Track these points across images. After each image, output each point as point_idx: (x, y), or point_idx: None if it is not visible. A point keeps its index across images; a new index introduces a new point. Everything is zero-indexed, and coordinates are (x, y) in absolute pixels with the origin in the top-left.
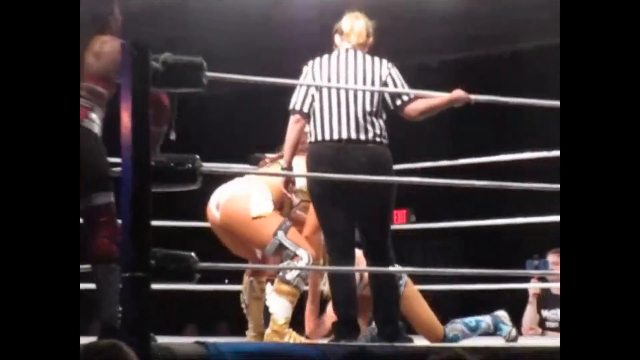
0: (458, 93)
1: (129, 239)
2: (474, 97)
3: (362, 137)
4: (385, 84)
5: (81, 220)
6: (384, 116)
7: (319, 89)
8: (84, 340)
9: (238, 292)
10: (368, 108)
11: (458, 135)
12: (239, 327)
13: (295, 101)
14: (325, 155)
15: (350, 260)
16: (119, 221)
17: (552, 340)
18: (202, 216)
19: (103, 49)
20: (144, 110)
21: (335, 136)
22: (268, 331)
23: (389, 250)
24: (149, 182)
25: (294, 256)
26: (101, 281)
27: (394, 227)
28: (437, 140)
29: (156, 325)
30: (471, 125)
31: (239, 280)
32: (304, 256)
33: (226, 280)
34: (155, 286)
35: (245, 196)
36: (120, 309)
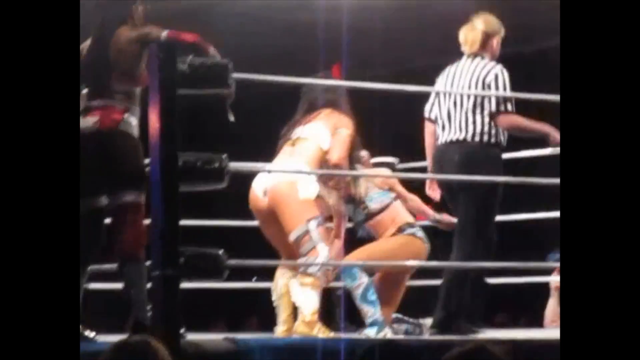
0: (553, 131)
1: (158, 237)
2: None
3: (461, 137)
4: (488, 87)
5: (109, 219)
6: (486, 116)
7: (437, 95)
8: (114, 338)
9: (268, 288)
10: (470, 110)
11: None
12: (270, 322)
13: (425, 108)
14: (434, 156)
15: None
16: (148, 221)
17: None
18: (230, 214)
19: (121, 45)
20: (172, 111)
21: (442, 139)
22: (297, 324)
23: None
24: (178, 181)
25: (312, 249)
26: (129, 279)
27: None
28: None
29: (186, 320)
30: None
31: (269, 277)
32: (324, 251)
33: (254, 279)
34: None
35: (294, 180)
36: (149, 306)
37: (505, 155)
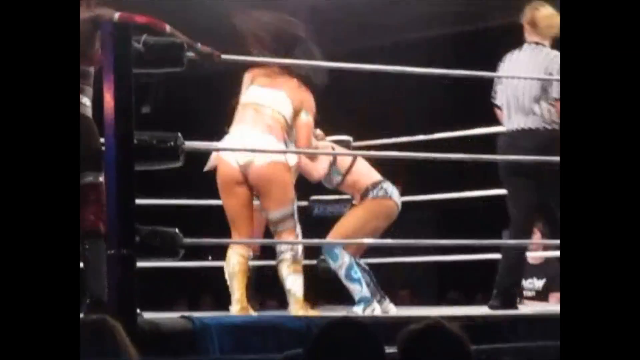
0: None
1: (114, 216)
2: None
3: (530, 125)
4: (550, 74)
5: None
6: (550, 104)
7: (500, 82)
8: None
9: (221, 268)
10: (535, 98)
11: (433, 110)
12: (224, 301)
13: (491, 95)
14: (499, 146)
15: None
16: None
17: (528, 309)
18: (185, 193)
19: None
20: (127, 90)
21: (510, 126)
22: (292, 307)
23: None
24: (133, 160)
25: (291, 229)
26: (88, 257)
27: None
28: (412, 115)
29: (146, 300)
30: (445, 101)
31: (223, 257)
32: (300, 234)
33: (209, 257)
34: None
35: (284, 161)
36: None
37: (464, 133)
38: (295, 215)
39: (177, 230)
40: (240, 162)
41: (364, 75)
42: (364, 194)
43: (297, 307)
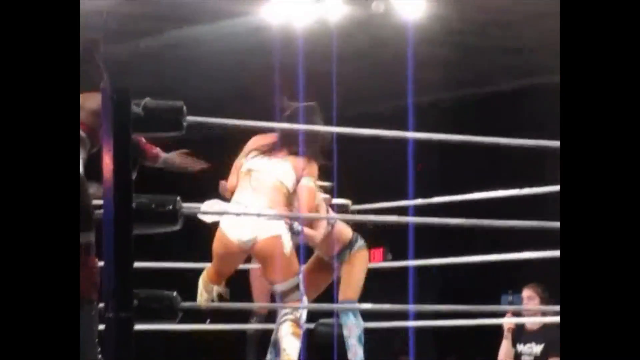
0: None
1: (112, 279)
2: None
3: None
4: None
5: None
6: None
7: None
8: None
9: (220, 332)
10: None
11: (432, 174)
12: None
13: None
14: None
15: None
16: (100, 263)
17: None
18: (183, 256)
19: (85, 104)
20: (125, 153)
21: None
22: None
23: None
24: (131, 224)
25: (298, 300)
26: (80, 323)
27: (371, 265)
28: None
29: None
30: (445, 165)
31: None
32: (305, 301)
33: (208, 320)
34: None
35: (278, 235)
36: (99, 349)
37: (463, 197)
38: (301, 286)
39: (175, 293)
40: (243, 239)
41: (362, 140)
42: (348, 246)
43: None
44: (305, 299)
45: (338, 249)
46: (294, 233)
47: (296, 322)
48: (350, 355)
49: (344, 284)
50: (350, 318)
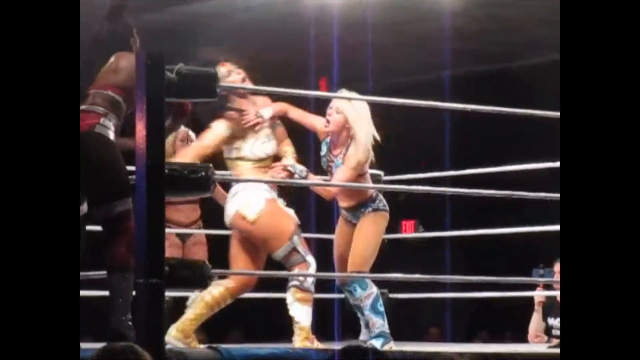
0: None
1: (144, 246)
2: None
3: None
4: None
5: (103, 229)
6: None
7: None
8: (88, 345)
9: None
10: None
11: (462, 146)
12: (252, 334)
13: None
14: None
15: None
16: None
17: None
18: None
19: (120, 64)
20: (159, 119)
21: None
22: (297, 339)
23: None
24: (163, 190)
25: (302, 262)
26: (115, 289)
27: (402, 236)
28: (440, 151)
29: None
30: (475, 137)
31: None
32: (312, 263)
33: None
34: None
35: (238, 210)
36: (130, 317)
37: (495, 170)
38: (300, 248)
39: (206, 260)
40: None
41: (396, 110)
42: (363, 204)
43: (300, 337)
44: (311, 259)
45: (354, 204)
46: (301, 177)
47: (300, 287)
48: (372, 328)
49: (354, 253)
50: (357, 291)
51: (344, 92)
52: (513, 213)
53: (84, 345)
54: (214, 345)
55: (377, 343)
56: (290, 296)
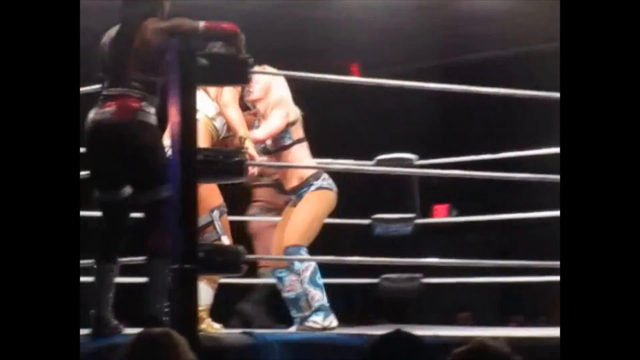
0: None
1: (178, 231)
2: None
3: None
4: None
5: (142, 214)
6: None
7: None
8: (131, 331)
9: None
10: None
11: (496, 130)
12: (283, 318)
13: None
14: None
15: None
16: None
17: None
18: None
19: (148, 35)
20: (191, 104)
21: None
22: None
23: None
24: (197, 176)
25: (216, 240)
26: (154, 274)
27: (435, 220)
28: (476, 135)
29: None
30: (510, 121)
31: None
32: (227, 243)
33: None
34: None
35: None
36: (167, 303)
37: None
38: (218, 225)
39: (240, 246)
40: None
41: (428, 94)
42: (306, 184)
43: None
44: (226, 240)
45: (296, 184)
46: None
47: None
48: (312, 302)
49: (289, 226)
50: (295, 264)
51: (268, 68)
52: (548, 195)
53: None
54: (248, 330)
55: (317, 318)
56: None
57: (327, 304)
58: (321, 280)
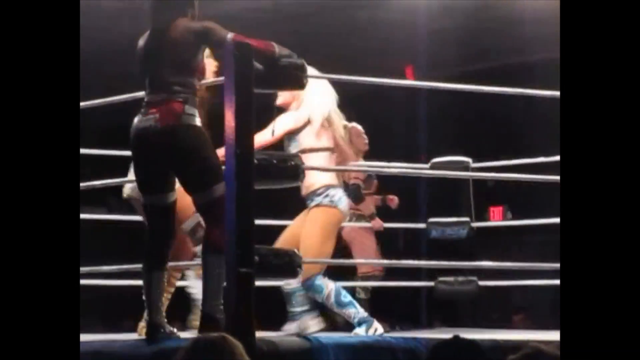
0: None
1: (234, 234)
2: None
3: None
4: None
5: (202, 215)
6: None
7: None
8: (186, 335)
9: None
10: None
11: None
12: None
13: None
14: None
15: None
16: None
17: None
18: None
19: (178, 35)
20: (247, 109)
21: None
22: (194, 317)
23: None
24: (253, 179)
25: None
26: (209, 272)
27: (490, 223)
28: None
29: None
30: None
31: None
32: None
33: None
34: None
35: None
36: (222, 302)
37: None
38: (200, 230)
39: (295, 250)
40: None
41: (483, 97)
42: (310, 197)
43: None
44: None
45: (304, 193)
46: None
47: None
48: (350, 320)
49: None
50: (319, 293)
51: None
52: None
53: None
54: (304, 334)
55: (361, 330)
56: (191, 277)
57: (365, 314)
58: (347, 297)
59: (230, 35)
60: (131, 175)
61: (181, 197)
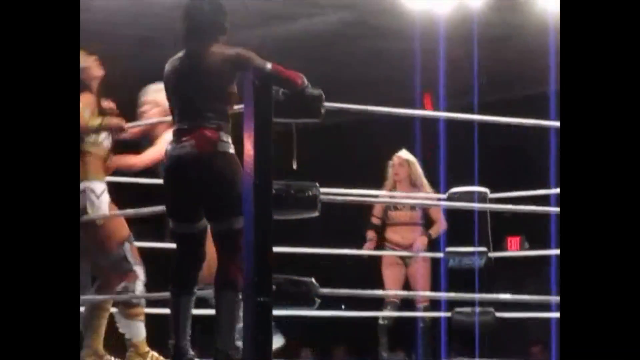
0: None
1: (251, 264)
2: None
3: None
4: None
5: (217, 243)
6: None
7: None
8: None
9: (355, 318)
10: None
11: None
12: (358, 351)
13: None
14: None
15: None
16: None
17: None
18: (322, 242)
19: (212, 62)
20: (266, 139)
21: None
22: (130, 354)
23: None
24: (271, 209)
25: (129, 272)
26: (223, 307)
27: (508, 253)
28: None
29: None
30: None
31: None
32: (141, 274)
33: (342, 307)
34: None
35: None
36: (238, 337)
37: None
38: (130, 257)
39: (313, 279)
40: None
41: (495, 128)
42: None
43: (133, 353)
44: (139, 269)
45: None
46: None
47: (127, 303)
48: None
49: None
50: None
51: None
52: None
53: None
54: None
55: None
56: (118, 314)
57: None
58: None
59: (269, 66)
60: None
61: (110, 219)
